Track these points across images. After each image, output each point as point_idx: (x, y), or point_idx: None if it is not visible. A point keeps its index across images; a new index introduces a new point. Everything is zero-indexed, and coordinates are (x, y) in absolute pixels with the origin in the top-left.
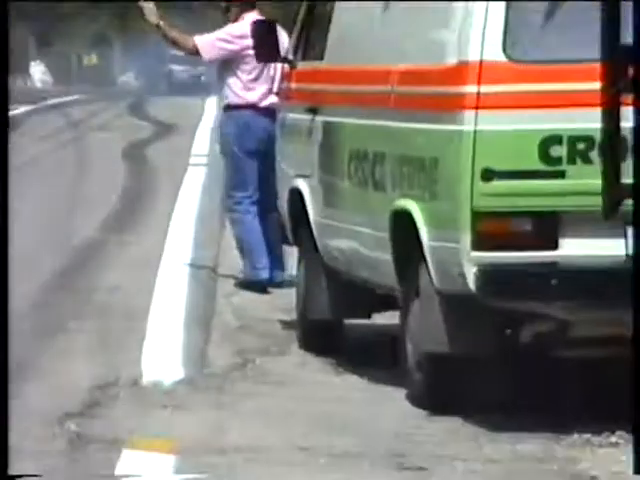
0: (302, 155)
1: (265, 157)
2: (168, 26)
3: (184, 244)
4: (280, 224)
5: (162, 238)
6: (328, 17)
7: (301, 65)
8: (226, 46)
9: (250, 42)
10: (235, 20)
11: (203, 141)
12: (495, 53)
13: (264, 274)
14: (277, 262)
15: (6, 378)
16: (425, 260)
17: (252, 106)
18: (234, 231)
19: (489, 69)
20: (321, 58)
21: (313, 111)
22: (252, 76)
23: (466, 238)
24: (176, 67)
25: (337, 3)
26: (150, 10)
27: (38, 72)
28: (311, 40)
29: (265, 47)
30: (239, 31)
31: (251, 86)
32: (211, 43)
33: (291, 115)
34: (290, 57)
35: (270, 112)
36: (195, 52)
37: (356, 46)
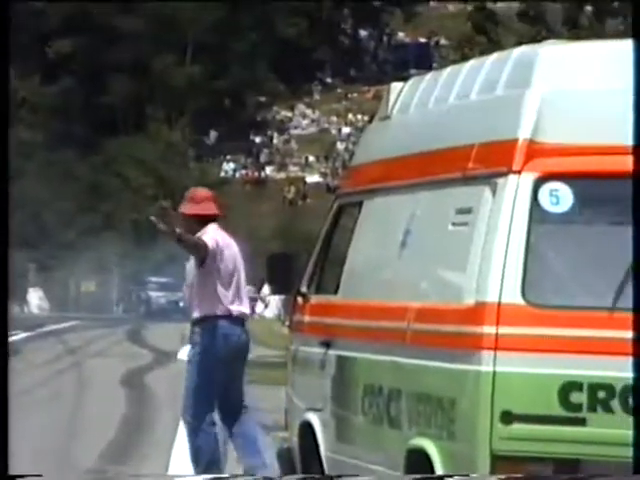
0: (314, 388)
1: (236, 365)
2: (184, 232)
3: (186, 475)
4: (288, 457)
5: (163, 469)
6: (343, 252)
7: (315, 298)
8: (221, 251)
9: (226, 251)
10: (195, 232)
11: None
12: (513, 296)
13: None
14: (259, 456)
15: (6, 380)
16: None
17: (226, 316)
18: (198, 446)
19: (507, 311)
20: (335, 292)
21: (326, 344)
22: (223, 285)
23: None
24: (154, 293)
25: (353, 239)
26: (167, 220)
27: (35, 298)
28: (325, 274)
29: (280, 278)
30: (220, 238)
31: (224, 295)
32: (213, 248)
33: (303, 348)
34: (304, 290)
35: (241, 321)
36: (204, 255)
37: (372, 281)
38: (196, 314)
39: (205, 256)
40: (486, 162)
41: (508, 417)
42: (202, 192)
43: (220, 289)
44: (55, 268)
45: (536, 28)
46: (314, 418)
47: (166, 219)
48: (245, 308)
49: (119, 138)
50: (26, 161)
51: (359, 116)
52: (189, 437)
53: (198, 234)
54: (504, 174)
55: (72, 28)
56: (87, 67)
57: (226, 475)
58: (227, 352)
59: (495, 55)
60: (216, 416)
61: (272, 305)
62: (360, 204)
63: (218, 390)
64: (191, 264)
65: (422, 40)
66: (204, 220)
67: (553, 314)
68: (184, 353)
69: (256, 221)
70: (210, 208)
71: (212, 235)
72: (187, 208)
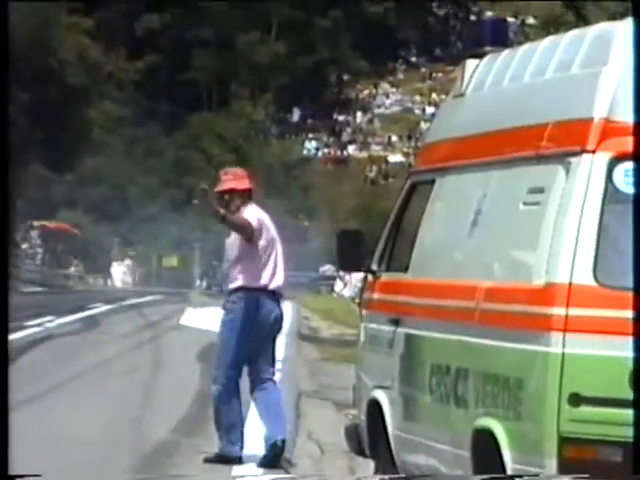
0: (382, 366)
1: (268, 337)
2: (230, 213)
3: (257, 449)
4: (356, 434)
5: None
6: (415, 230)
7: (385, 276)
8: (263, 229)
9: (265, 228)
10: (236, 210)
11: (278, 345)
12: (585, 277)
13: (240, 451)
14: (280, 423)
15: (6, 380)
16: None
17: (263, 289)
18: (218, 404)
19: (578, 292)
20: (405, 270)
21: (395, 322)
22: (263, 260)
23: (552, 464)
24: None
25: (424, 217)
26: (212, 201)
27: (119, 272)
28: (395, 252)
29: (350, 256)
30: (261, 216)
31: (262, 270)
32: (257, 226)
33: (372, 325)
34: (374, 267)
35: (276, 295)
36: (251, 233)
37: (442, 260)
38: (234, 284)
39: (252, 234)
40: (560, 141)
41: (576, 399)
42: (229, 170)
43: (260, 264)
44: (138, 242)
45: (627, 4)
46: (382, 396)
47: (209, 200)
48: (281, 282)
49: (203, 114)
50: (112, 136)
51: (443, 96)
52: (213, 397)
53: (237, 213)
54: (578, 153)
55: (160, 4)
56: (173, 43)
57: (294, 475)
58: (258, 324)
59: (572, 32)
60: (241, 382)
61: (351, 284)
62: (432, 182)
63: (246, 358)
64: (231, 239)
65: (502, 17)
66: (233, 196)
67: (624, 296)
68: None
69: (337, 200)
70: (235, 184)
71: (253, 213)
72: (216, 186)
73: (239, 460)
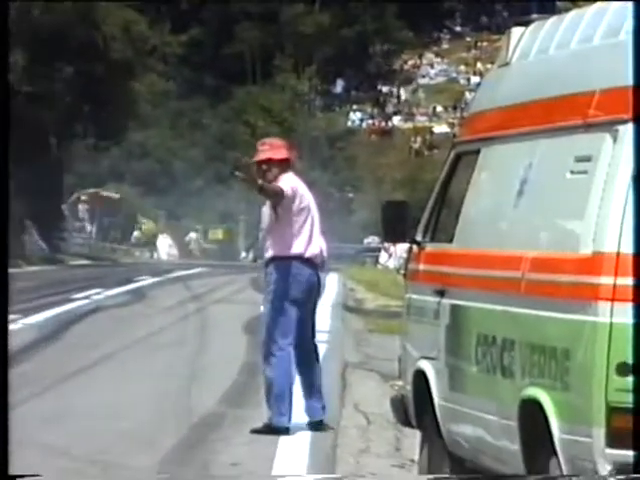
0: (428, 337)
1: (307, 305)
2: (266, 183)
3: (304, 420)
4: (402, 405)
5: None
6: (460, 200)
7: (430, 246)
8: (296, 197)
9: (301, 197)
10: (274, 180)
11: (323, 317)
12: (632, 246)
13: (288, 422)
14: (319, 400)
15: (6, 379)
16: (555, 453)
17: (298, 257)
18: (269, 374)
19: (626, 261)
20: (450, 241)
21: (441, 293)
22: (296, 228)
23: (600, 434)
24: None
25: (469, 187)
26: (249, 173)
27: (165, 245)
28: (440, 222)
29: (395, 227)
30: (295, 185)
31: (297, 238)
32: (290, 193)
33: (417, 296)
34: (419, 238)
35: (312, 263)
36: (282, 199)
37: (487, 230)
38: (269, 254)
39: (281, 201)
40: (607, 109)
41: (624, 369)
42: (267, 141)
43: (294, 232)
44: (184, 216)
45: None
46: (427, 367)
47: (249, 172)
48: (317, 250)
49: (247, 87)
50: (157, 110)
51: (488, 65)
52: (264, 369)
53: (275, 182)
54: (626, 121)
55: None
56: (217, 16)
57: (337, 475)
58: (296, 291)
59: None
60: (292, 352)
61: (396, 255)
62: (477, 152)
63: (293, 326)
64: (266, 208)
65: None
66: (270, 166)
67: None
68: None
69: (382, 171)
70: (272, 154)
71: (288, 182)
72: (255, 156)
73: (287, 431)
